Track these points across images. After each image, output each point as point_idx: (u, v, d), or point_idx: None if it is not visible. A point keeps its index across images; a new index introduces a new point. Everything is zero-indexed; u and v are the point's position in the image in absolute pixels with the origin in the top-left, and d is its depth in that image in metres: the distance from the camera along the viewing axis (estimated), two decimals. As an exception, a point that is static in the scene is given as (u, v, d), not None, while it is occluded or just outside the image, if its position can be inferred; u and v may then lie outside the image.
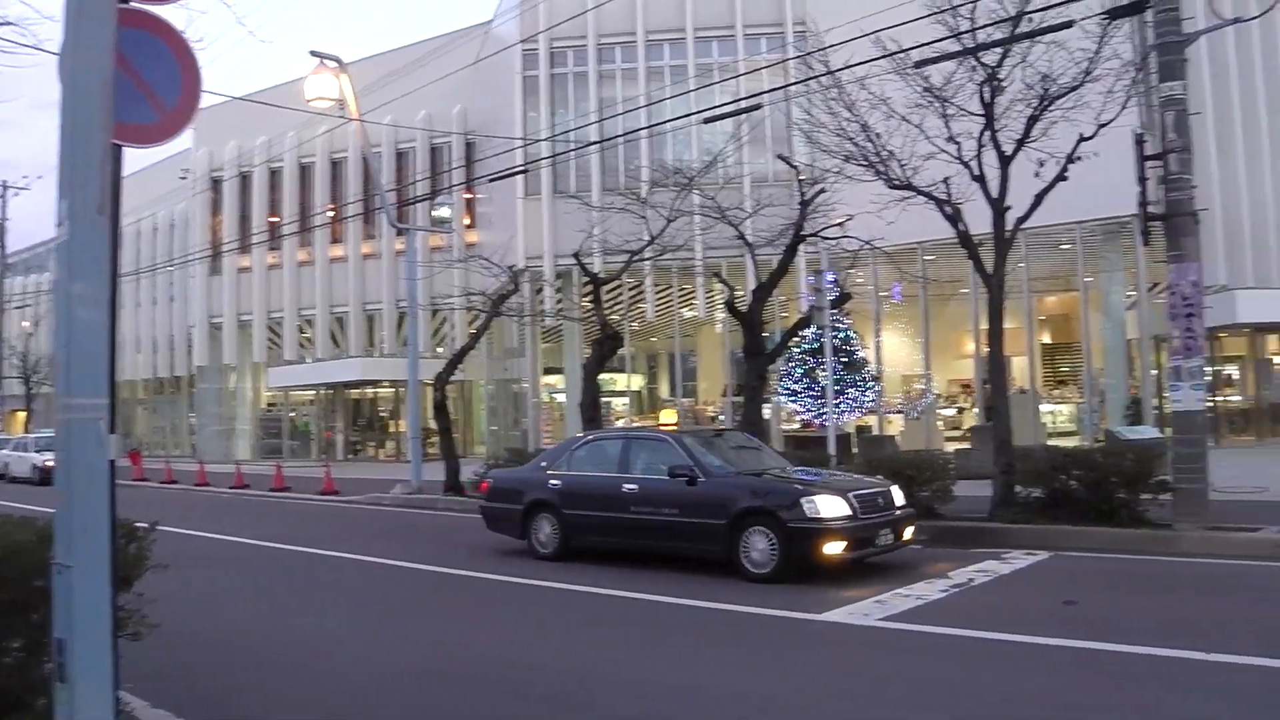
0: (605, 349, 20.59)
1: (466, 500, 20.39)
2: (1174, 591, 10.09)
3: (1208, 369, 26.08)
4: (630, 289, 32.79)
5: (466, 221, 39.88)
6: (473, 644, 8.52)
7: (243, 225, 44.72)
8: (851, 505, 10.86)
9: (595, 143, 28.88)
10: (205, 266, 45.33)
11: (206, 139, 43.97)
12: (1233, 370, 30.03)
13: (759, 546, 10.84)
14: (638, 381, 41.33)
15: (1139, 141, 12.98)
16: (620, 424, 33.12)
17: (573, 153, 30.30)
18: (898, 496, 11.79)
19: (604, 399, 30.08)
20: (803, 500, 10.75)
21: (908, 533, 11.59)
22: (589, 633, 8.96)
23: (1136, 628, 8.24)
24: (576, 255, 21.18)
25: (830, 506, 10.74)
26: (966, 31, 13.93)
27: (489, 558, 13.29)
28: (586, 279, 21.50)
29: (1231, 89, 27.43)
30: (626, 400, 38.47)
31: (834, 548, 10.62)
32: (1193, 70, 25.04)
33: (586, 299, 24.84)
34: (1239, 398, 29.72)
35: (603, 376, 24.14)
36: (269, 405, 48.01)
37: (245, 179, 44.98)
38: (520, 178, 30.16)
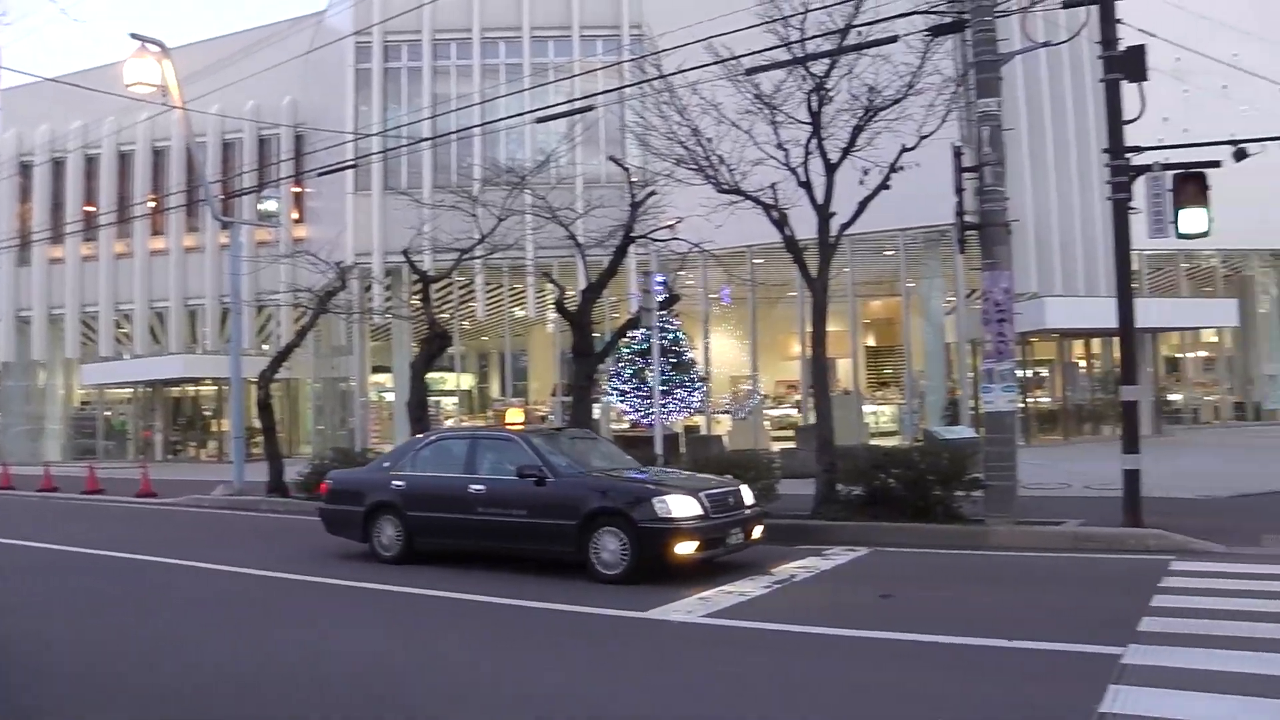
0: (434, 348, 20.36)
1: (291, 502, 19.92)
2: (982, 584, 10.55)
3: (1019, 372, 27.39)
4: (460, 288, 32.50)
5: (295, 216, 38.81)
6: (302, 649, 8.30)
7: (55, 213, 42.49)
8: (703, 504, 10.89)
9: (428, 139, 28.54)
10: (12, 256, 42.94)
11: (15, 120, 41.72)
12: (1043, 373, 31.54)
13: (610, 547, 10.79)
14: (468, 381, 40.96)
15: (957, 154, 13.51)
16: (449, 424, 32.80)
17: (405, 149, 29.89)
18: (747, 496, 11.91)
19: (433, 398, 29.75)
20: (654, 500, 10.74)
21: (756, 531, 11.73)
22: (427, 636, 8.81)
23: (946, 619, 8.57)
24: (406, 253, 20.90)
25: (682, 506, 10.75)
26: (796, 41, 14.26)
27: (325, 561, 12.92)
28: (416, 277, 21.22)
29: (1044, 107, 28.78)
30: (456, 400, 38.09)
31: (686, 548, 10.65)
32: (1009, 88, 26.10)
33: (416, 297, 24.51)
34: (1048, 399, 31.22)
35: (432, 376, 23.85)
36: (82, 404, 45.78)
37: (58, 165, 42.78)
38: (350, 173, 29.61)
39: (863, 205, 14.30)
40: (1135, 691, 6.22)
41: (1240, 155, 14.86)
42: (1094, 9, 13.42)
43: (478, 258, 21.81)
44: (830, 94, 14.34)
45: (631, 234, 17.87)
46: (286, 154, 37.86)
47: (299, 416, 41.32)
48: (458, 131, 27.83)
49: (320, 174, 27.52)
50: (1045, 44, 14.27)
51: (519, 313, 35.12)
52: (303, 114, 38.08)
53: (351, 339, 35.13)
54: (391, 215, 30.82)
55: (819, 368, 15.36)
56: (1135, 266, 30.07)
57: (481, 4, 33.64)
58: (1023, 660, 7.24)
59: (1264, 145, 16.58)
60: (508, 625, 9.13)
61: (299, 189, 38.68)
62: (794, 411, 32.60)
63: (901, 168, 14.13)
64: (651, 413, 19.98)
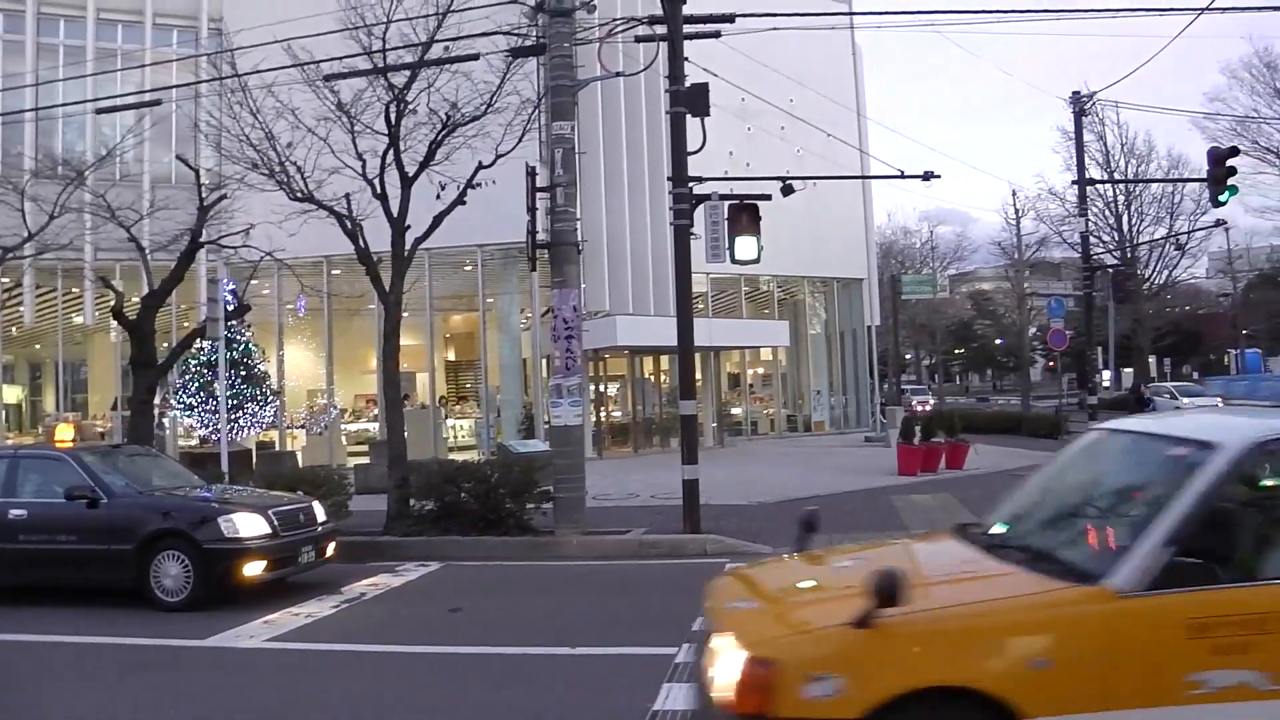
0: (-32, 356, 18.36)
1: None
2: (551, 593, 10.84)
3: (592, 387, 28.37)
4: (6, 290, 29.45)
5: None
6: None
7: None
8: (271, 523, 10.46)
9: (-34, 120, 25.69)
10: None
11: None
12: (615, 388, 32.87)
13: (171, 572, 10.08)
14: (15, 394, 37.24)
15: (530, 173, 13.84)
16: (-11, 439, 29.64)
17: (-63, 128, 26.77)
18: (319, 513, 11.56)
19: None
20: (219, 519, 10.20)
21: (330, 549, 11.42)
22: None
23: (513, 630, 8.73)
24: (-63, 248, 18.71)
25: (249, 525, 10.28)
26: (378, 51, 14.10)
27: None
28: (-52, 275, 19.06)
29: (621, 133, 30.01)
30: (2, 414, 34.53)
31: (254, 568, 10.17)
32: (590, 113, 27.23)
33: (-52, 298, 22.03)
34: (620, 413, 32.57)
35: (-30, 387, 21.52)
36: None
37: None
38: None
39: (438, 220, 14.31)
40: (686, 688, 6.58)
41: (787, 190, 16.32)
42: (664, 46, 14.20)
43: (26, 257, 19.89)
44: (410, 107, 14.27)
45: (200, 239, 16.92)
46: None
47: None
48: (4, 114, 25.22)
49: None
50: (618, 74, 14.99)
51: (77, 319, 32.29)
52: None
53: None
54: (-80, 205, 27.46)
55: (390, 382, 15.18)
56: (702, 288, 32.42)
57: (38, -25, 30.67)
58: (585, 666, 7.49)
59: (808, 183, 18.31)
60: (52, 666, 8.33)
61: None
62: (372, 426, 32.10)
63: (479, 184, 14.27)
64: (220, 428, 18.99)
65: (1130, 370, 53.86)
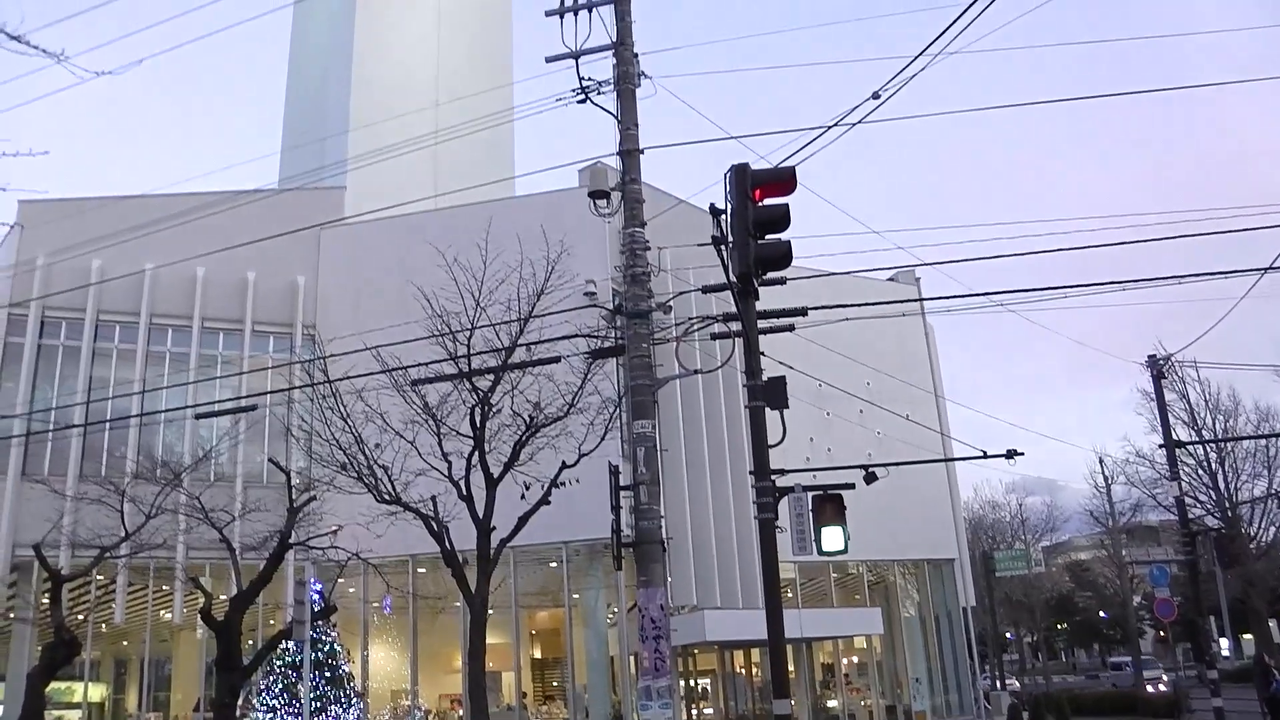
0: (58, 657, 18.39)
1: None
2: None
3: (680, 683, 27.49)
4: (99, 588, 29.82)
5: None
6: None
7: None
8: None
9: (78, 425, 26.75)
10: None
11: None
12: (705, 683, 31.84)
13: None
14: (100, 691, 37.07)
15: (614, 472, 13.93)
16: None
17: (51, 433, 27.87)
18: None
19: (55, 711, 26.64)
20: None
21: None
22: None
23: None
24: (37, 548, 19.15)
25: None
26: (463, 356, 14.59)
27: None
28: (47, 575, 19.42)
29: (702, 425, 30.24)
30: (84, 713, 34.27)
31: None
32: (670, 406, 27.62)
33: (45, 596, 22.33)
34: (711, 710, 31.40)
35: (57, 686, 21.56)
36: None
37: None
38: (-19, 455, 27.17)
39: (523, 520, 14.40)
40: None
41: (870, 479, 16.19)
42: (739, 341, 14.48)
43: (121, 556, 20.30)
44: (495, 409, 14.62)
45: (289, 540, 17.19)
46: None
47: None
48: (112, 420, 26.25)
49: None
50: (696, 371, 15.25)
51: (165, 615, 32.48)
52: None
53: (-40, 644, 31.27)
54: (26, 505, 28.28)
55: (476, 685, 14.91)
56: (790, 575, 31.76)
57: (153, 290, 32.43)
58: None
59: (889, 470, 18.20)
60: None
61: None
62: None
63: (562, 483, 14.43)
64: (301, 732, 18.69)
65: (1250, 637, 50.94)
